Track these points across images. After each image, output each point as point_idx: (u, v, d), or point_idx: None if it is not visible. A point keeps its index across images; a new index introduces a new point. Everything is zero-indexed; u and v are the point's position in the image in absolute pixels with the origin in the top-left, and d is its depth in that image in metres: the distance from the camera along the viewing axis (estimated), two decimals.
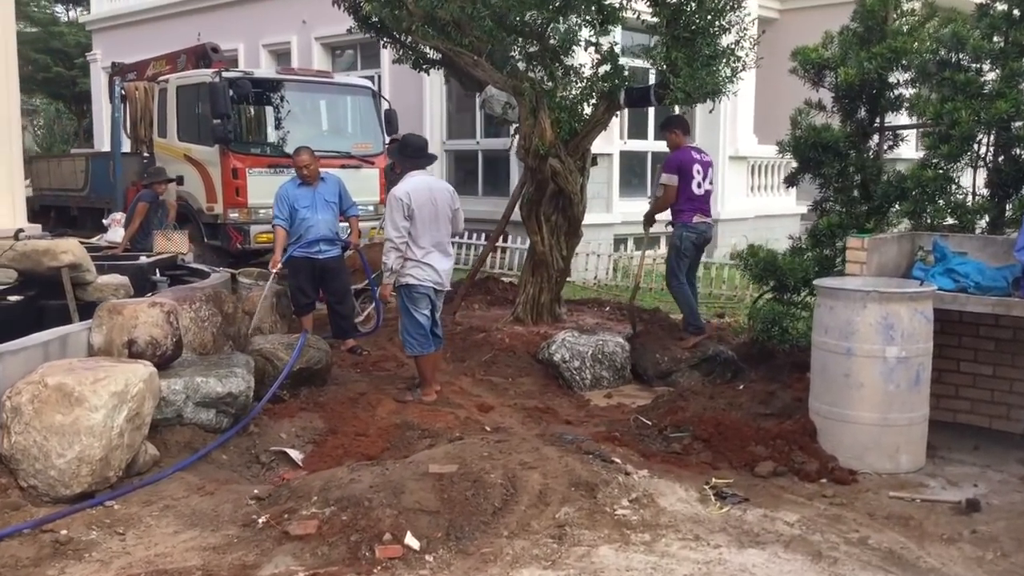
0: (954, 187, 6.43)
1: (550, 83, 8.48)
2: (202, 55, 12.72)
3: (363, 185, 10.91)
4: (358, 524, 4.12)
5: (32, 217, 15.07)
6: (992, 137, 6.30)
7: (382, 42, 9.64)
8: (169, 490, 4.75)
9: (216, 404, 5.42)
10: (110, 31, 22.19)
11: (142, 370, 4.86)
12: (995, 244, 5.77)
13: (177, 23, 19.24)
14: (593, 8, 8.08)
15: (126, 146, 13.46)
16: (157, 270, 7.96)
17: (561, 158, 8.41)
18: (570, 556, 4.04)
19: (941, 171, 6.35)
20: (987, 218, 6.47)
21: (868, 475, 5.09)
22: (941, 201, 6.41)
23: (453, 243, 14.24)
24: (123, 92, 13.08)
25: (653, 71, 8.61)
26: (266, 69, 13.41)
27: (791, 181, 7.75)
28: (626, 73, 8.47)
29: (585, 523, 4.37)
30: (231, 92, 10.75)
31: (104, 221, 11.62)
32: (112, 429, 4.55)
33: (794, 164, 7.44)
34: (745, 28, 8.17)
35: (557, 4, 7.95)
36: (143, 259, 8.17)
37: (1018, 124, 6.13)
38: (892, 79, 6.88)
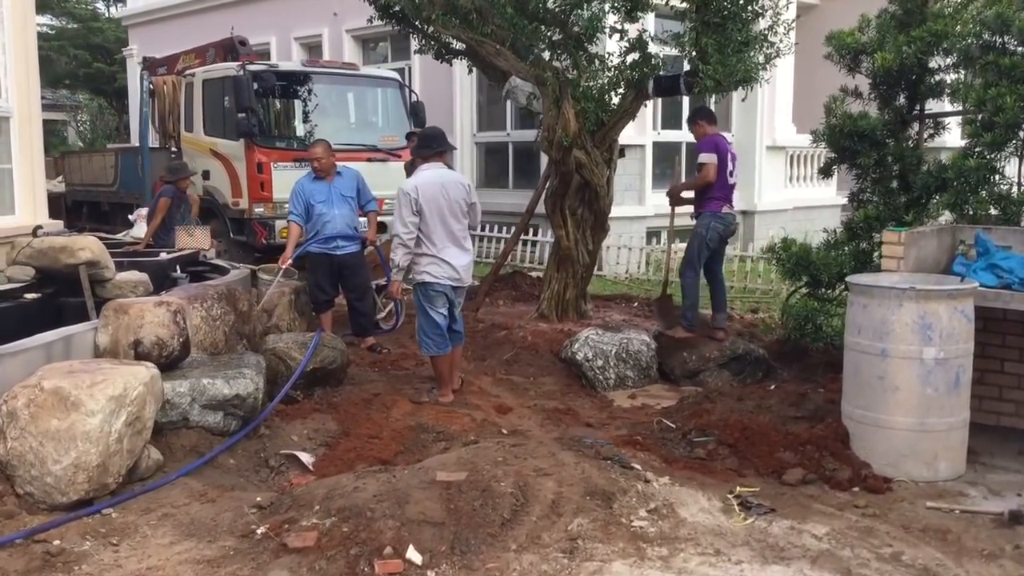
0: (998, 177, 6.10)
1: (574, 72, 8.21)
2: (231, 49, 12.60)
3: (390, 179, 10.71)
4: (359, 536, 3.93)
5: (65, 213, 15.20)
6: None
7: (404, 32, 9.42)
8: (171, 497, 4.59)
9: (223, 406, 5.26)
10: (146, 26, 22.26)
11: (143, 372, 4.71)
12: None
13: (211, 17, 19.21)
14: None
15: (155, 141, 13.42)
16: (177, 266, 7.88)
17: (587, 149, 8.16)
18: (581, 572, 3.82)
19: (984, 160, 6.02)
20: None
21: (904, 483, 4.82)
22: (984, 192, 6.09)
23: (479, 236, 14.28)
24: (151, 87, 13.03)
25: (686, 59, 8.33)
26: (292, 61, 13.22)
27: (826, 172, 7.48)
28: (655, 61, 8.20)
29: (599, 536, 4.14)
30: (255, 85, 10.63)
31: (130, 217, 11.60)
32: (110, 434, 4.40)
33: (831, 154, 7.14)
34: (779, 12, 7.87)
35: None
36: (163, 255, 8.08)
37: None
38: (933, 64, 6.59)
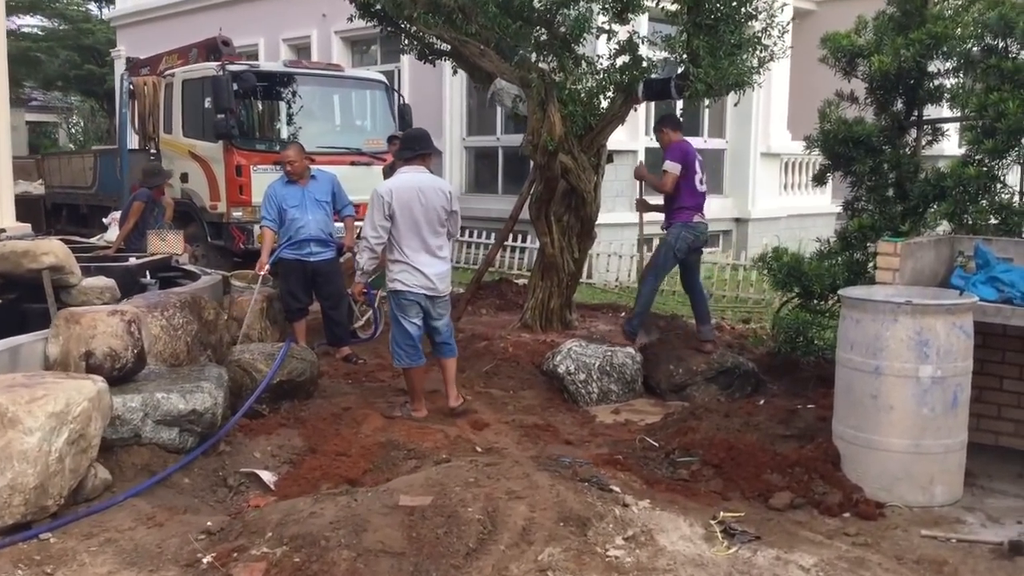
0: (999, 186, 5.87)
1: (560, 74, 7.93)
2: (213, 49, 12.33)
3: (374, 183, 10.38)
4: (310, 568, 3.65)
5: (45, 216, 14.93)
6: None
7: (386, 31, 9.13)
8: (116, 520, 4.30)
9: (179, 422, 4.98)
10: (134, 27, 22.00)
11: (88, 387, 4.41)
12: None
13: (199, 18, 18.97)
14: None
15: (136, 143, 13.13)
16: (147, 272, 7.60)
17: (574, 154, 7.89)
18: None
19: (985, 168, 5.79)
20: None
21: (897, 509, 4.53)
22: (984, 201, 5.84)
23: (466, 243, 14.01)
24: (131, 87, 12.75)
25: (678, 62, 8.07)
26: (275, 62, 12.95)
27: (820, 179, 7.23)
28: (646, 64, 7.93)
29: (571, 566, 3.84)
30: (235, 86, 10.35)
31: (104, 220, 11.32)
32: (50, 454, 4.11)
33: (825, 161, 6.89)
34: (773, 15, 7.61)
35: None
36: (132, 260, 7.80)
37: None
38: (932, 68, 6.34)
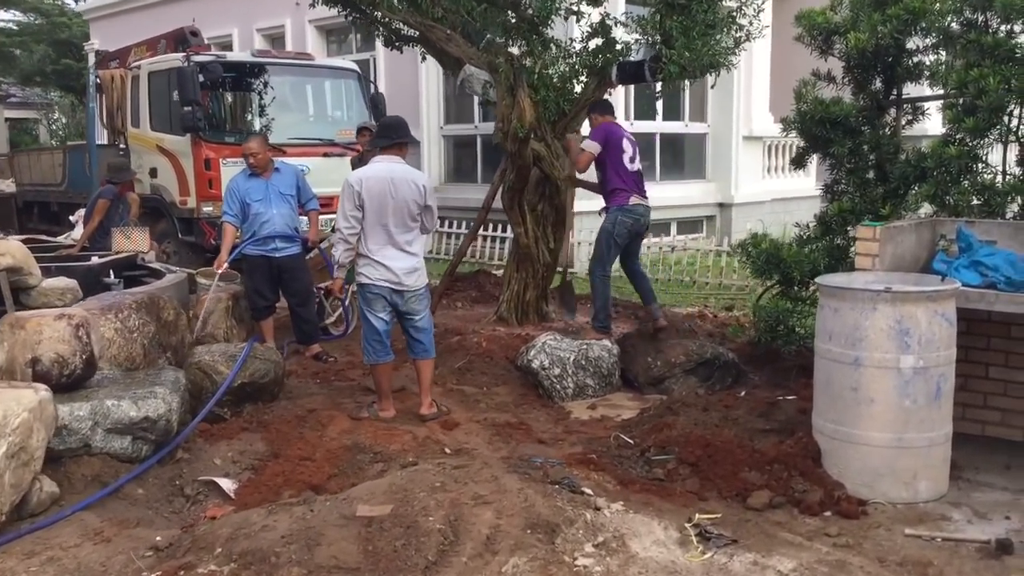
0: (981, 165, 5.66)
1: (530, 58, 7.70)
2: (182, 39, 12.05)
3: (348, 174, 10.21)
4: None
5: (16, 214, 14.64)
6: None
7: (350, 16, 8.84)
8: (61, 536, 4.08)
9: (131, 430, 4.75)
10: (107, 19, 21.64)
11: (29, 397, 4.19)
12: None
13: (172, 9, 18.64)
14: None
15: (105, 138, 12.86)
16: (111, 271, 7.38)
17: (547, 141, 7.68)
18: None
19: (966, 147, 5.57)
20: (1020, 200, 5.68)
21: (880, 506, 4.35)
22: (966, 182, 5.64)
23: (446, 234, 13.78)
24: (98, 80, 12.45)
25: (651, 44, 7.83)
26: (243, 52, 12.66)
27: (799, 162, 6.99)
28: (620, 47, 7.70)
29: None
30: (202, 77, 10.07)
31: (71, 218, 11.05)
32: None
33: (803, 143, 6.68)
34: None
35: None
36: (95, 260, 7.57)
37: None
38: (910, 44, 6.12)
